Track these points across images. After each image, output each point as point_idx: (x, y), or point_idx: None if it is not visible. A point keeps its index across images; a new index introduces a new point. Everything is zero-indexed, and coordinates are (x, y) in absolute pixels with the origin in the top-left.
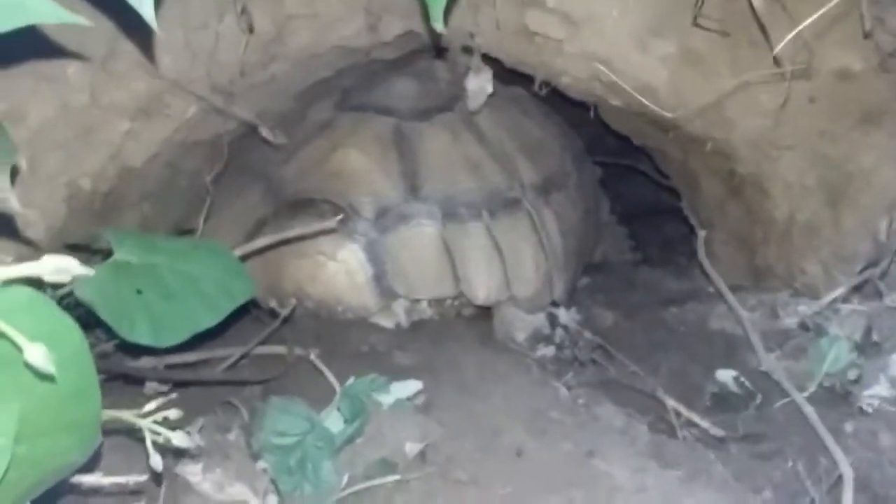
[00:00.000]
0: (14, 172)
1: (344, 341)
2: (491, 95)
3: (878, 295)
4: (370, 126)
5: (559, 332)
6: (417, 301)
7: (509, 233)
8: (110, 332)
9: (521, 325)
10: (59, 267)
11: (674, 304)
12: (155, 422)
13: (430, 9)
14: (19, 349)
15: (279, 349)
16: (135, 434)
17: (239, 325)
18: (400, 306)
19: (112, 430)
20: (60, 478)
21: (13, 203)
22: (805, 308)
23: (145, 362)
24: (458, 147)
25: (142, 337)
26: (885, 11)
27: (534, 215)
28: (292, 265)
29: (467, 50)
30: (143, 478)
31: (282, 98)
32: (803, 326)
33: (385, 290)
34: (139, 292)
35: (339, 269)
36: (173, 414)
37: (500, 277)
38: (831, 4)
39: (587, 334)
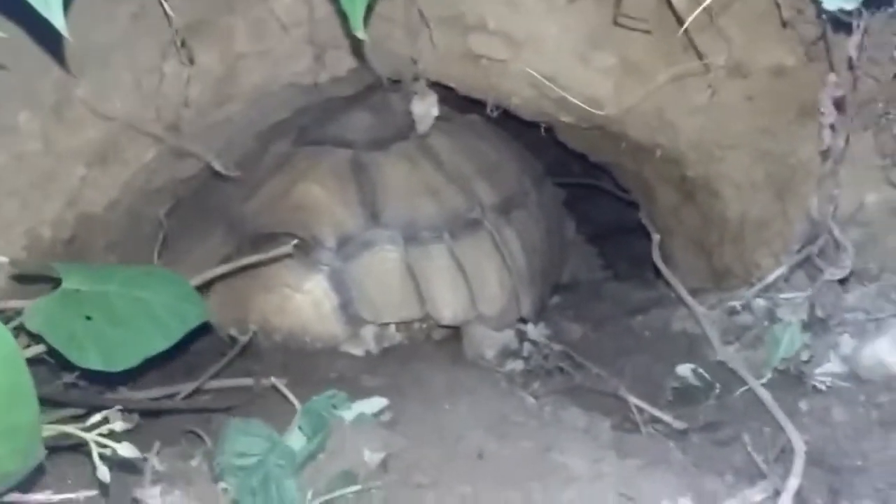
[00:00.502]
0: None
1: (312, 370)
2: (446, 122)
3: (819, 272)
4: (328, 159)
5: (527, 346)
6: (386, 326)
7: (472, 253)
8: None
9: (489, 342)
10: None
11: (639, 312)
12: (101, 434)
13: (349, 17)
14: None
15: (246, 381)
16: (87, 452)
17: (210, 362)
18: (369, 333)
19: (61, 448)
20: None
21: None
22: (762, 301)
23: (110, 395)
24: (416, 173)
25: (92, 362)
26: (802, 2)
27: (495, 235)
28: (259, 299)
29: (417, 79)
30: (93, 493)
31: (241, 139)
32: (757, 317)
33: (352, 318)
34: (88, 319)
35: (305, 300)
36: (119, 426)
37: (465, 297)
38: None
39: (555, 346)
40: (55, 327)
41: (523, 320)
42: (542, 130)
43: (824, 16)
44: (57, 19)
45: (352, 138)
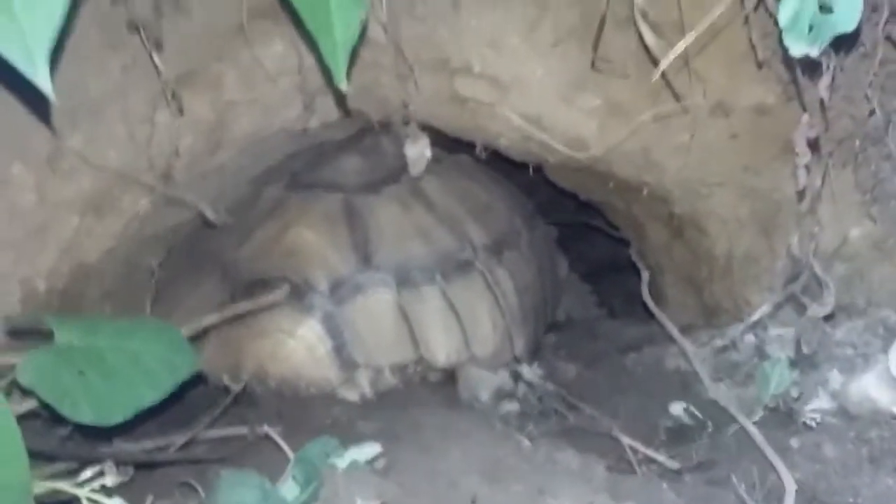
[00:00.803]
0: None
1: (307, 417)
2: (436, 163)
3: (803, 308)
4: (319, 203)
5: (522, 387)
6: (380, 370)
7: (464, 294)
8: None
9: (484, 384)
10: None
11: (633, 350)
12: (93, 490)
13: (332, 70)
14: None
15: (241, 430)
16: None
17: (204, 412)
18: (363, 377)
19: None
20: None
21: None
22: (751, 337)
23: (104, 449)
24: (407, 216)
25: (85, 417)
26: (777, 44)
27: (487, 275)
28: (252, 346)
29: (408, 123)
30: None
31: (234, 186)
32: (747, 354)
33: (346, 361)
34: (81, 373)
35: (298, 346)
36: (110, 481)
37: (458, 338)
38: (695, 33)
39: (550, 386)
40: (47, 382)
41: (518, 360)
42: (532, 170)
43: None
44: (44, 84)
45: (343, 182)
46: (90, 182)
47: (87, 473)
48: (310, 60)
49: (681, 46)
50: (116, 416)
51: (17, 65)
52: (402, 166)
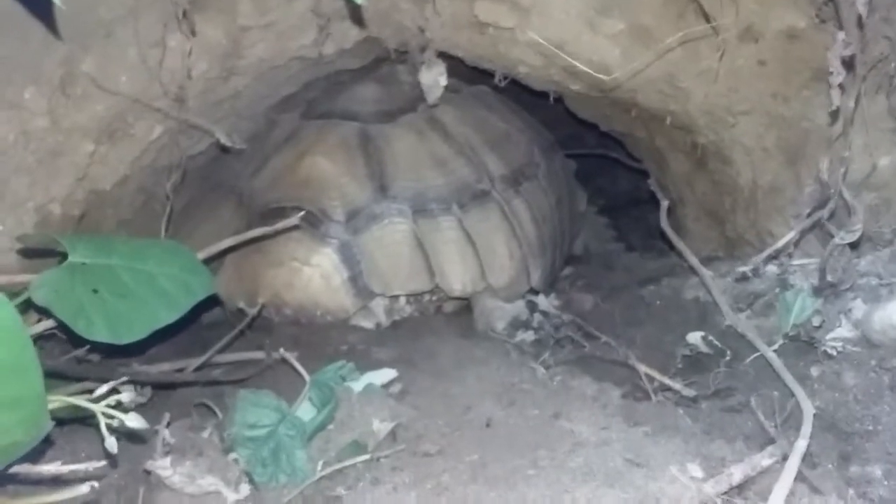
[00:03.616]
0: None
1: (323, 344)
2: (454, 94)
3: (830, 237)
4: (335, 132)
5: (538, 317)
6: (396, 299)
7: (481, 224)
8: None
9: (500, 313)
10: None
11: (651, 282)
12: (108, 406)
13: None
14: None
15: (257, 354)
16: (96, 425)
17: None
18: (379, 306)
19: (73, 421)
20: (8, 459)
21: None
22: (774, 268)
23: (123, 369)
24: (424, 145)
25: (99, 334)
26: None
27: (504, 206)
28: (268, 274)
29: (425, 49)
30: (101, 463)
31: (250, 114)
32: (768, 284)
33: (361, 290)
34: (95, 291)
35: (314, 274)
36: (125, 397)
37: (474, 268)
38: None
39: (566, 317)
40: (61, 300)
41: (534, 291)
42: (552, 100)
43: None
44: None
45: (359, 111)
46: (104, 107)
47: (103, 389)
48: None
49: None
50: (132, 335)
51: None
52: (419, 96)
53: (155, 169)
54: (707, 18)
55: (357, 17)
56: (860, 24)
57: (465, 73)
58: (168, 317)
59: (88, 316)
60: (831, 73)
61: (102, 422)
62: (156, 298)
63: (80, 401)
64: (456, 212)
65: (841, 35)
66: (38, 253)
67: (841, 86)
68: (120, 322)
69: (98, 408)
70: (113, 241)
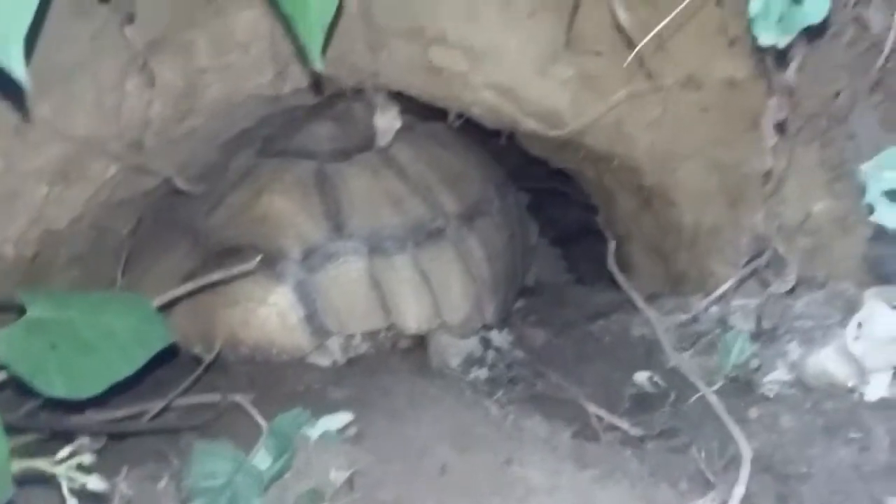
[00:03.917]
0: None
1: (279, 384)
2: (409, 131)
3: (765, 285)
4: (291, 170)
5: (491, 353)
6: (352, 337)
7: (435, 262)
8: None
9: (454, 350)
10: None
11: (601, 317)
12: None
13: (308, 50)
14: None
15: (213, 397)
16: (56, 486)
17: (175, 379)
18: (335, 343)
19: (29, 482)
20: None
21: None
22: (715, 308)
23: (77, 420)
24: (379, 184)
25: (58, 390)
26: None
27: (458, 243)
28: (224, 313)
29: (378, 88)
30: None
31: (205, 150)
32: (710, 324)
33: (318, 329)
34: (53, 346)
35: (270, 313)
36: (87, 459)
37: (429, 306)
38: (672, 15)
39: (518, 353)
40: (21, 356)
41: (488, 327)
42: (504, 137)
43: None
44: (19, 73)
45: (315, 149)
46: (59, 150)
47: (65, 452)
48: (280, 28)
49: (655, 30)
50: (90, 390)
51: None
52: (374, 134)
53: (108, 205)
54: (650, 76)
55: (314, 74)
56: (790, 91)
57: (418, 109)
58: (126, 370)
59: (47, 372)
60: (764, 136)
61: (65, 485)
62: (114, 352)
63: (44, 464)
64: (411, 250)
65: (773, 102)
66: None
67: (773, 148)
68: (79, 377)
69: (62, 471)
70: (71, 295)
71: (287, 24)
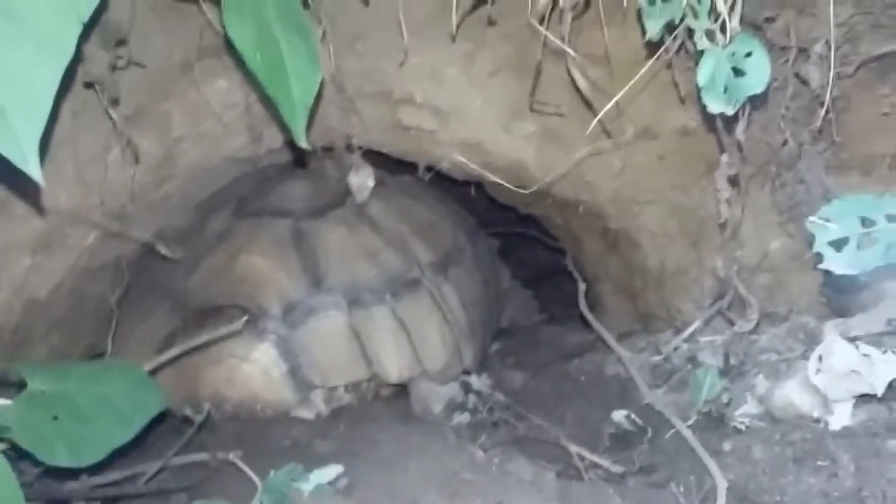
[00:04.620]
0: None
1: (265, 439)
2: (380, 185)
3: (731, 323)
4: (268, 229)
5: (472, 398)
6: (335, 388)
7: (413, 311)
8: (34, 460)
9: (435, 397)
10: None
11: (575, 356)
12: None
13: (291, 129)
14: None
15: (202, 456)
16: None
17: (161, 439)
18: (318, 396)
19: None
20: None
21: None
22: (685, 345)
23: (72, 485)
24: (354, 238)
25: (61, 460)
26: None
27: (434, 292)
28: (208, 372)
29: (351, 147)
30: None
31: (180, 212)
32: (680, 361)
33: (301, 383)
34: (55, 418)
35: (253, 369)
36: None
37: (409, 354)
38: (641, 73)
39: (499, 396)
40: (24, 429)
41: (467, 372)
42: (473, 186)
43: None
44: (36, 175)
45: (290, 208)
46: (42, 223)
47: None
48: (256, 94)
49: (612, 102)
50: (91, 457)
51: (10, 158)
52: (347, 190)
53: (87, 270)
54: (609, 135)
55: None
56: (739, 147)
57: (388, 162)
58: (124, 436)
59: (50, 443)
60: (718, 189)
61: None
62: (112, 419)
63: None
64: (389, 301)
65: (724, 158)
66: None
67: (728, 201)
68: (79, 446)
69: None
70: (68, 367)
71: (267, 100)
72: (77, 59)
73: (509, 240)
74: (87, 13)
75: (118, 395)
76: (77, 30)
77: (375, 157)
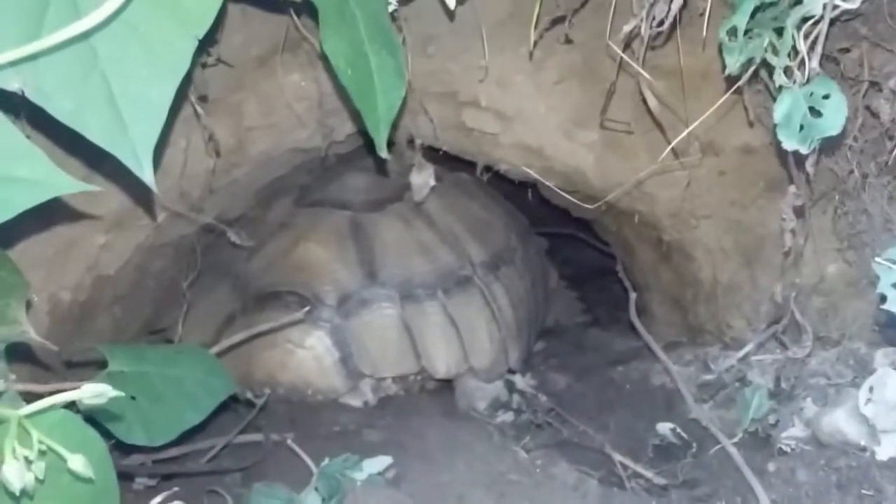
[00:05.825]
0: (28, 305)
1: (316, 423)
2: (437, 182)
3: (782, 344)
4: (327, 220)
5: (516, 398)
6: (383, 379)
7: (463, 309)
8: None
9: (480, 394)
10: (96, 392)
11: (620, 363)
12: None
13: (375, 141)
14: (62, 458)
15: (256, 437)
16: None
17: (217, 417)
18: (367, 385)
19: None
20: None
21: (31, 334)
22: (733, 361)
23: (134, 459)
24: (410, 233)
25: (137, 438)
26: (768, 102)
27: (485, 291)
28: (263, 355)
29: (412, 143)
30: None
31: (243, 197)
32: (729, 377)
33: (352, 372)
34: (132, 398)
35: (307, 356)
36: None
37: (457, 351)
38: (717, 105)
39: (542, 398)
40: (104, 408)
41: (511, 371)
42: (529, 190)
43: None
44: (149, 180)
45: (349, 200)
46: (118, 203)
47: (157, 500)
48: (326, 87)
49: (688, 130)
50: (164, 437)
51: (126, 163)
52: (405, 185)
53: (152, 248)
54: (676, 155)
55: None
56: (808, 179)
57: (445, 160)
58: (195, 418)
59: (128, 422)
60: (784, 219)
61: None
62: (184, 401)
63: None
64: (440, 297)
65: (792, 188)
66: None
67: (792, 230)
68: (154, 426)
69: None
70: (145, 349)
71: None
72: None
73: (557, 238)
74: (203, 30)
75: (191, 378)
76: (193, 46)
77: (432, 153)
